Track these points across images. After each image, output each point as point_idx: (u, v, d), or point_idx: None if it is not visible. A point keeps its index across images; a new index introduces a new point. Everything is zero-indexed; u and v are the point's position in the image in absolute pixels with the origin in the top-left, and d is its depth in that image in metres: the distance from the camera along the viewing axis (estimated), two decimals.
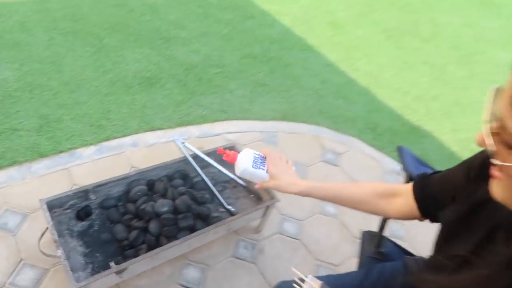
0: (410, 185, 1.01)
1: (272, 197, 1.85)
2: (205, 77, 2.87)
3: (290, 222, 2.12)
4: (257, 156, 1.11)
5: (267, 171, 1.08)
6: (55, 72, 2.45)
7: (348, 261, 2.04)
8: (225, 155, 1.14)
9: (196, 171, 1.87)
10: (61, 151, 2.04)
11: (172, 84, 2.70)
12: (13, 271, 1.56)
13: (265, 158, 1.11)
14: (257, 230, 2.00)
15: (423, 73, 3.89)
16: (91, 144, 2.13)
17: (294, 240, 2.05)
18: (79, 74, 2.51)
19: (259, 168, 1.08)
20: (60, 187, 1.89)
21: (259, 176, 1.08)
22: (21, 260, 1.60)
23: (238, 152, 1.13)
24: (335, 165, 2.57)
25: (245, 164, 1.07)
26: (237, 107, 2.72)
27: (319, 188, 1.07)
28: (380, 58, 3.95)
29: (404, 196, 1.01)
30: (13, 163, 1.91)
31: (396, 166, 2.72)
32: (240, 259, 1.88)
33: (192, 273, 1.76)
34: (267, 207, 1.83)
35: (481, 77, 4.12)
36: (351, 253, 2.08)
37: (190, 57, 3.05)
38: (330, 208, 2.27)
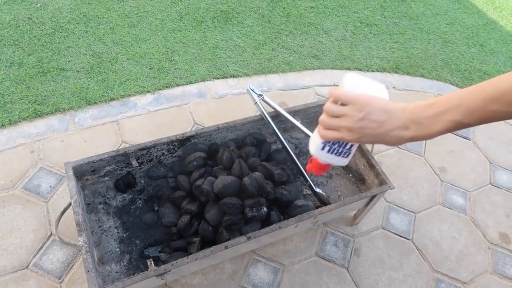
0: None
1: (382, 182, 1.27)
2: (295, 13, 2.25)
3: (398, 213, 1.53)
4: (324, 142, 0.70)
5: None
6: (116, 1, 2.04)
7: (481, 278, 1.42)
8: (311, 168, 0.79)
9: (275, 135, 1.35)
10: (112, 99, 1.65)
11: (252, 20, 2.14)
12: (40, 248, 1.24)
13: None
14: (353, 221, 1.45)
15: None
16: (148, 91, 1.71)
17: (403, 240, 1.47)
18: (142, 5, 2.06)
19: (343, 148, 0.69)
20: (106, 143, 1.52)
21: (353, 151, 0.71)
22: (50, 235, 1.27)
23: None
24: (466, 138, 1.86)
25: (329, 157, 0.71)
26: (334, 53, 2.09)
27: (475, 106, 0.54)
28: None
29: None
30: (55, 110, 1.56)
31: None
32: (327, 260, 1.37)
33: (261, 273, 1.30)
34: (373, 197, 1.26)
35: None
36: (485, 266, 1.45)
37: None
38: (458, 197, 1.62)
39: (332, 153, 0.69)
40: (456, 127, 0.56)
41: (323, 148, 0.69)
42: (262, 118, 1.36)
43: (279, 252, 1.35)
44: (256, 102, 1.36)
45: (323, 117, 0.64)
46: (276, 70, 1.94)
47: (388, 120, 0.59)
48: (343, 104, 0.62)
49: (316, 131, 0.68)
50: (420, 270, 1.40)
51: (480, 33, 2.43)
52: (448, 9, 2.55)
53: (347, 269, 1.36)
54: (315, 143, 0.69)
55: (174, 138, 1.25)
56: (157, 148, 1.25)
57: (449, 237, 1.50)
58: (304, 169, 1.33)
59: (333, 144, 0.68)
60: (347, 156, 0.70)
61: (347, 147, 0.69)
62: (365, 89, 0.63)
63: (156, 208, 1.24)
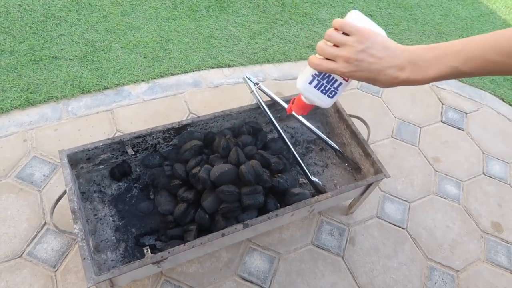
0: None
1: (377, 171, 1.27)
2: (290, 2, 2.24)
3: (393, 203, 1.54)
4: (314, 75, 0.68)
5: (344, 79, 0.67)
6: None
7: (473, 266, 1.44)
8: (292, 108, 0.78)
9: (271, 124, 1.35)
10: (106, 88, 1.63)
11: (247, 10, 2.12)
12: (34, 237, 1.23)
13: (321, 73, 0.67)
14: (349, 211, 1.46)
15: None
16: (143, 80, 1.69)
17: (398, 228, 1.48)
18: None
19: (330, 85, 0.67)
20: (100, 132, 1.50)
21: (340, 92, 0.69)
22: (44, 224, 1.26)
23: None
24: (459, 128, 1.88)
25: (315, 94, 0.69)
26: None
27: (474, 54, 0.54)
28: None
29: None
30: (48, 99, 1.54)
31: None
32: (322, 248, 1.38)
33: (257, 262, 1.31)
34: (369, 185, 1.27)
35: None
36: (478, 255, 1.47)
37: None
38: (451, 187, 1.64)
39: (319, 89, 0.68)
40: (453, 73, 0.56)
41: (311, 82, 0.67)
42: (258, 107, 1.35)
43: (275, 241, 1.35)
44: (253, 91, 1.36)
45: (322, 44, 0.61)
46: (271, 60, 1.93)
47: (387, 57, 0.58)
48: (345, 34, 0.61)
49: (307, 66, 0.67)
50: (414, 258, 1.42)
51: (474, 25, 2.43)
52: (443, 1, 2.55)
53: (342, 258, 1.37)
54: (304, 76, 0.68)
55: (170, 126, 1.24)
56: (153, 137, 1.24)
57: (442, 226, 1.52)
58: (301, 158, 1.33)
59: (323, 78, 0.67)
60: (332, 97, 0.69)
61: (335, 85, 0.67)
62: (369, 25, 0.63)
63: (152, 197, 1.23)
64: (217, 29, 1.98)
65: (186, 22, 1.97)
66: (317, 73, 0.66)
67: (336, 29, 0.62)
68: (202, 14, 2.03)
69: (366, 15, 0.65)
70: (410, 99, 1.94)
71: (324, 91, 0.68)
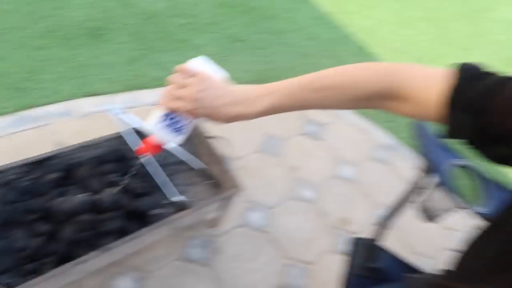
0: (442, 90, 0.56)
1: (234, 185, 1.45)
2: (167, 29, 2.37)
3: (256, 211, 1.74)
4: (164, 115, 0.76)
5: (191, 117, 0.76)
6: None
7: (323, 258, 1.69)
8: (145, 150, 0.81)
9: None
10: None
11: (124, 37, 2.20)
12: None
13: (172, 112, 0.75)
14: (213, 224, 1.62)
15: (424, 31, 3.40)
16: (8, 112, 1.68)
17: (260, 234, 1.68)
18: (4, 20, 2.00)
19: (179, 126, 0.76)
20: None
21: (187, 130, 0.77)
22: None
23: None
24: (317, 139, 2.16)
25: (165, 133, 0.76)
26: None
27: (290, 91, 0.67)
28: (378, 12, 3.43)
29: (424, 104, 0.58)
30: None
31: (389, 140, 2.33)
32: (189, 261, 1.51)
33: (125, 284, 1.39)
34: (226, 198, 1.44)
35: (489, 36, 3.65)
36: (328, 247, 1.73)
37: (152, 3, 2.52)
38: (307, 191, 1.89)
39: (169, 127, 0.75)
40: (274, 108, 0.68)
41: (162, 122, 0.74)
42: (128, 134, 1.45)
43: (143, 260, 1.45)
44: (114, 120, 1.45)
45: (169, 87, 0.71)
46: (147, 85, 2.03)
47: (224, 95, 0.68)
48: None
49: (154, 111, 0.76)
50: (275, 258, 1.62)
51: (336, 46, 2.80)
52: (308, 26, 2.88)
53: (209, 267, 1.52)
54: (154, 118, 0.76)
55: (30, 160, 1.28)
56: (11, 172, 1.27)
57: (299, 226, 1.76)
58: (170, 179, 1.45)
59: (172, 119, 0.74)
60: (181, 134, 0.77)
61: (184, 123, 0.76)
62: (208, 69, 0.74)
63: (9, 234, 1.25)
64: (91, 57, 2.03)
65: (58, 51, 1.99)
66: (167, 113, 0.74)
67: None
68: (76, 42, 2.06)
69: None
70: (277, 116, 2.18)
71: (174, 129, 0.76)
